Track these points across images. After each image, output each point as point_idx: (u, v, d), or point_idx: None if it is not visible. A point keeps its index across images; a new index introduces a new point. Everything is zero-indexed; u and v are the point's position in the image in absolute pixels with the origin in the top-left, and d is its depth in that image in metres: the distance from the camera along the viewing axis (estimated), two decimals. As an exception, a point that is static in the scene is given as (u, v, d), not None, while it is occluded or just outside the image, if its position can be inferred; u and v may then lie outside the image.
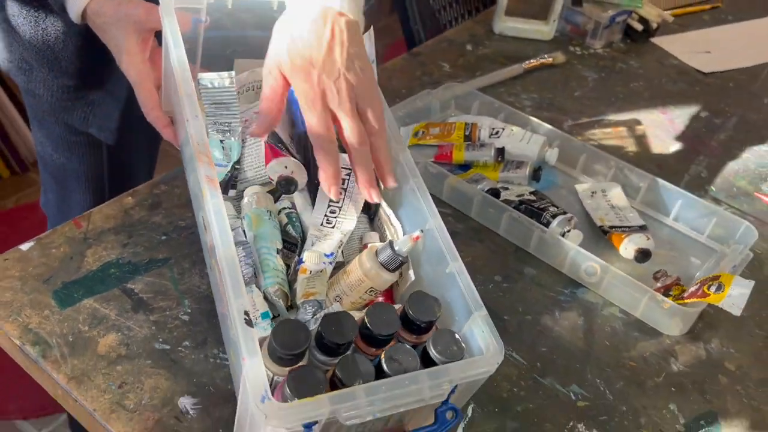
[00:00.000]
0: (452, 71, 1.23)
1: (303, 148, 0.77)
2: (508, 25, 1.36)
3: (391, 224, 0.73)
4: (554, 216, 0.87)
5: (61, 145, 1.03)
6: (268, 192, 0.76)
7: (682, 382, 0.74)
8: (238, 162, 0.74)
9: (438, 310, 0.61)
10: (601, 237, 0.90)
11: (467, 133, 0.99)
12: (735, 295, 0.76)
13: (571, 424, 0.68)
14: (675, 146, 1.12)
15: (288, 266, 0.71)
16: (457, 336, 0.59)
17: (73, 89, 0.93)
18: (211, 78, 0.75)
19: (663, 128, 1.16)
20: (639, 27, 1.39)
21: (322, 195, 0.71)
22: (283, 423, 0.50)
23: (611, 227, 0.89)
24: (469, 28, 1.38)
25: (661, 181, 0.94)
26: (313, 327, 0.62)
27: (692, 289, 0.80)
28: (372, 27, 0.76)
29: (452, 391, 0.57)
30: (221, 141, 0.75)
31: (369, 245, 0.71)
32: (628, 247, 0.86)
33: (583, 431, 0.68)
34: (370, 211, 0.77)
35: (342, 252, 0.73)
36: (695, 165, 1.08)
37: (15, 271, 0.75)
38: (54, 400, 0.69)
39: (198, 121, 0.67)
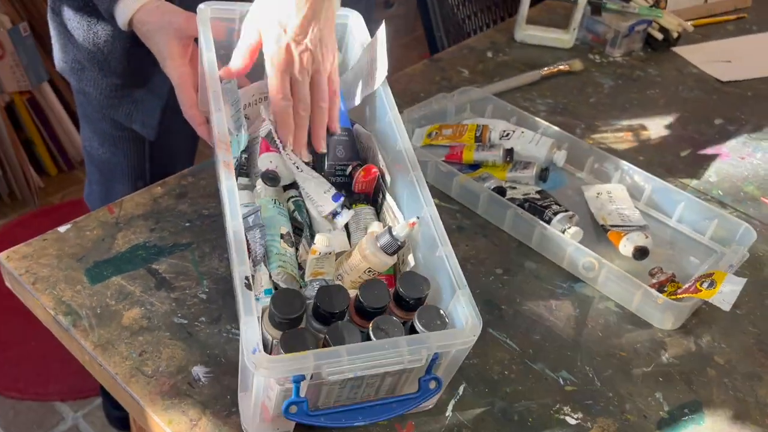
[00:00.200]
0: (471, 77, 1.28)
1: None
2: (528, 33, 1.40)
3: (394, 214, 0.79)
4: (556, 213, 0.91)
5: (107, 141, 1.11)
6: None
7: (670, 373, 0.77)
8: (245, 150, 0.81)
9: (426, 289, 0.66)
10: (602, 235, 0.93)
11: (478, 135, 1.03)
12: (726, 292, 0.78)
13: (557, 406, 0.72)
14: (685, 151, 1.14)
15: (296, 248, 0.76)
16: (441, 312, 0.64)
17: (119, 88, 1.01)
18: (229, 81, 0.82)
19: (675, 134, 1.18)
20: (659, 36, 1.42)
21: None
22: (270, 373, 0.56)
23: (612, 226, 0.93)
24: (490, 36, 1.43)
25: (664, 183, 0.97)
26: None
27: (686, 285, 0.83)
28: (384, 21, 0.82)
29: (434, 360, 0.62)
30: (236, 136, 0.82)
31: (370, 231, 0.77)
32: (626, 245, 0.90)
33: (569, 413, 0.72)
34: (376, 204, 0.82)
35: (350, 241, 0.79)
36: (703, 169, 1.10)
37: (53, 250, 0.83)
38: (90, 384, 0.75)
39: (221, 114, 0.74)
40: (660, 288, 0.84)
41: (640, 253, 0.89)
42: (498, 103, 1.12)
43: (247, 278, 0.61)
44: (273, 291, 0.71)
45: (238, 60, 0.78)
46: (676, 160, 1.12)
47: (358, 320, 0.66)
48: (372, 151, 0.84)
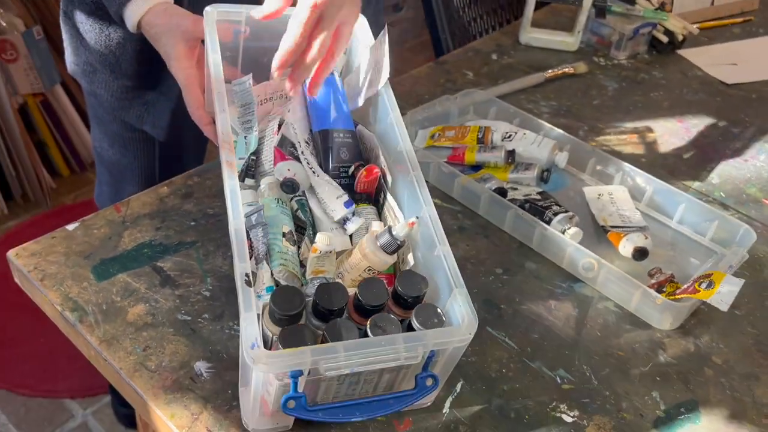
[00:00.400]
0: (475, 79, 1.29)
1: (318, 145, 0.84)
2: (533, 36, 1.41)
3: (395, 214, 0.80)
4: (556, 214, 0.92)
5: (117, 142, 1.13)
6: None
7: (668, 372, 0.78)
8: (254, 153, 0.82)
9: (424, 287, 0.67)
10: (602, 236, 0.94)
11: (480, 136, 1.04)
12: (724, 292, 0.79)
13: (554, 404, 0.73)
14: (688, 153, 1.15)
15: (298, 247, 0.78)
16: (439, 310, 0.65)
17: (130, 90, 1.03)
18: (239, 82, 0.83)
19: (678, 136, 1.19)
20: (664, 39, 1.42)
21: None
22: (268, 368, 0.57)
23: (612, 227, 0.93)
24: (495, 39, 1.44)
25: (666, 184, 0.98)
26: None
27: (685, 286, 0.84)
28: (386, 26, 0.83)
29: (430, 358, 0.63)
30: (245, 137, 0.83)
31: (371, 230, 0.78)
32: (626, 246, 0.90)
33: (565, 410, 0.72)
34: (378, 203, 0.83)
35: (351, 240, 0.80)
36: (707, 171, 1.11)
37: (61, 247, 0.84)
38: (99, 382, 0.77)
39: (225, 115, 0.75)
40: (659, 288, 0.85)
41: (640, 253, 0.89)
42: (501, 105, 1.13)
43: (247, 275, 0.62)
44: (274, 288, 0.72)
45: (278, 8, 0.77)
46: (679, 162, 1.13)
47: (357, 318, 0.67)
48: (374, 151, 0.85)
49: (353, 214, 0.78)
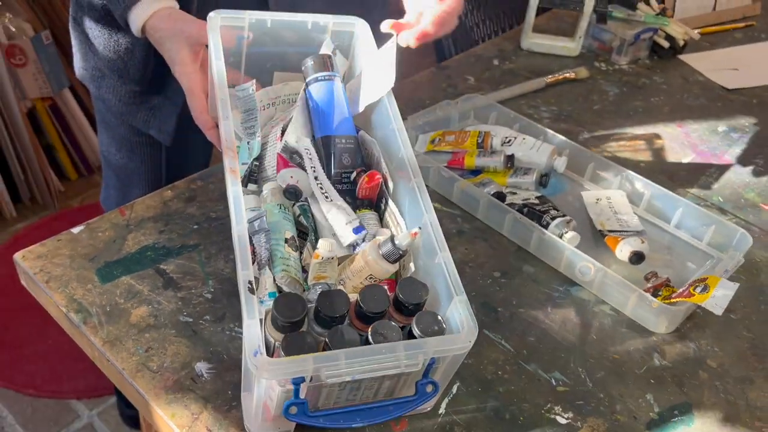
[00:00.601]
0: (476, 84, 1.30)
1: (320, 151, 0.85)
2: (535, 41, 1.42)
3: (396, 220, 0.81)
4: (554, 218, 0.93)
5: (124, 146, 1.15)
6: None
7: (662, 375, 0.79)
8: (257, 158, 0.83)
9: (425, 295, 0.68)
10: (600, 240, 0.95)
11: (480, 141, 1.06)
12: (718, 296, 0.80)
13: (549, 405, 0.74)
14: (688, 158, 1.16)
15: (300, 252, 0.79)
16: (439, 317, 0.66)
17: (138, 95, 1.05)
18: (242, 88, 0.85)
19: (678, 141, 1.20)
20: (665, 44, 1.43)
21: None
22: (271, 375, 0.58)
23: (609, 231, 0.94)
24: (497, 44, 1.45)
25: (663, 189, 0.99)
26: None
27: (680, 290, 0.85)
28: (395, 33, 0.84)
29: (431, 365, 0.64)
30: (248, 143, 0.85)
31: (379, 234, 0.79)
32: (623, 250, 0.91)
33: (559, 412, 0.73)
34: (380, 209, 0.84)
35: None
36: (705, 176, 1.12)
37: (66, 250, 0.86)
38: (105, 383, 0.78)
39: (228, 122, 0.76)
40: (654, 292, 0.86)
41: (636, 257, 0.90)
42: (501, 110, 1.14)
43: (250, 282, 0.63)
44: (276, 294, 0.74)
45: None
46: (678, 166, 1.14)
47: (358, 324, 0.68)
48: (376, 157, 0.86)
49: (363, 240, 0.78)
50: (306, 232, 0.81)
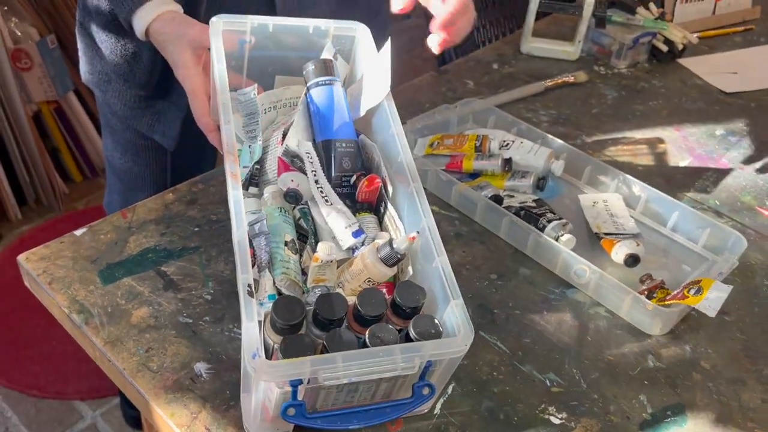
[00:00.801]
0: (476, 88, 1.31)
1: (321, 155, 0.86)
2: (534, 45, 1.43)
3: (396, 224, 0.82)
4: (550, 221, 0.94)
5: (129, 150, 1.16)
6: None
7: (656, 377, 0.80)
8: (258, 162, 0.85)
9: (422, 298, 0.69)
10: (596, 243, 0.96)
11: (478, 145, 1.07)
12: (712, 298, 0.81)
13: (543, 406, 0.75)
14: (685, 161, 1.17)
15: (300, 255, 0.80)
16: (436, 321, 0.67)
17: (143, 99, 1.06)
18: (244, 92, 0.86)
19: (676, 145, 1.21)
20: (664, 48, 1.44)
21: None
22: (269, 378, 0.60)
23: (605, 234, 0.95)
24: (497, 48, 1.46)
25: (659, 192, 1.00)
26: None
27: (675, 292, 0.86)
28: (390, 39, 0.85)
29: (427, 368, 0.65)
30: (249, 146, 0.86)
31: (378, 237, 0.80)
32: (618, 252, 0.92)
33: (553, 413, 0.74)
34: (379, 213, 0.86)
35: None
36: (702, 180, 1.12)
37: (69, 252, 0.88)
38: (108, 384, 0.79)
39: (230, 126, 0.77)
40: (649, 294, 0.87)
41: (632, 260, 0.91)
42: (500, 114, 1.15)
43: (249, 286, 0.64)
44: (276, 296, 0.75)
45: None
46: (676, 170, 1.15)
47: (356, 327, 0.69)
48: (376, 161, 0.87)
49: (362, 243, 0.79)
50: (306, 235, 0.82)
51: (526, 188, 1.03)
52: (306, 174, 0.83)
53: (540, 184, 1.03)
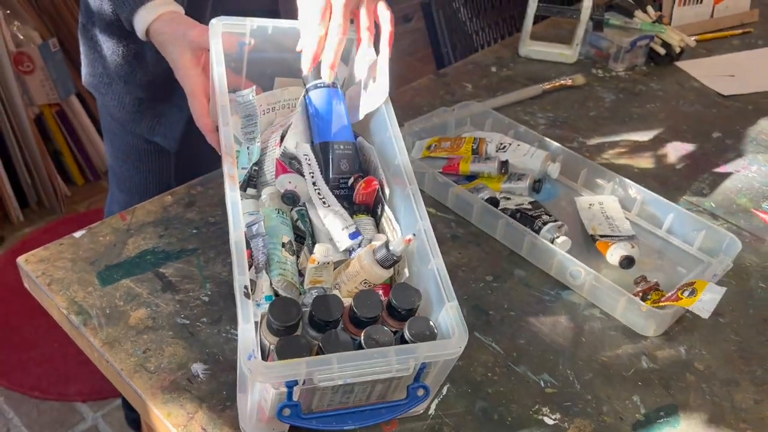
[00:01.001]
0: (474, 91, 1.32)
1: (319, 156, 0.87)
2: (532, 48, 1.44)
3: (392, 227, 0.83)
4: (546, 223, 0.94)
5: (131, 156, 1.16)
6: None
7: (650, 378, 0.80)
8: (256, 163, 0.85)
9: (417, 300, 0.70)
10: (591, 245, 0.97)
11: (475, 147, 1.07)
12: (705, 300, 0.81)
13: (537, 407, 0.76)
14: (681, 164, 1.17)
15: (297, 256, 0.81)
16: (431, 323, 0.68)
17: (143, 101, 1.07)
18: (242, 94, 0.87)
19: (672, 147, 1.21)
20: (662, 51, 1.44)
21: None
22: (265, 379, 0.60)
23: (601, 236, 0.96)
24: (495, 51, 1.47)
25: (655, 195, 1.00)
26: None
27: (669, 294, 0.86)
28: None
29: (422, 369, 0.66)
30: (247, 148, 0.87)
31: (375, 239, 0.81)
32: (613, 254, 0.93)
33: (547, 413, 0.75)
34: (376, 215, 0.86)
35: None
36: (698, 182, 1.13)
37: (68, 254, 0.88)
38: (109, 385, 0.80)
39: (228, 127, 0.78)
40: (644, 296, 0.87)
41: (627, 262, 0.92)
42: (497, 116, 1.16)
43: (246, 287, 0.65)
44: (273, 297, 0.75)
45: (314, 31, 0.81)
46: (672, 172, 1.15)
47: (352, 329, 0.69)
48: (373, 164, 0.88)
49: (359, 245, 0.80)
50: (303, 237, 0.83)
51: (522, 190, 1.04)
52: (304, 176, 0.83)
53: (536, 186, 1.04)
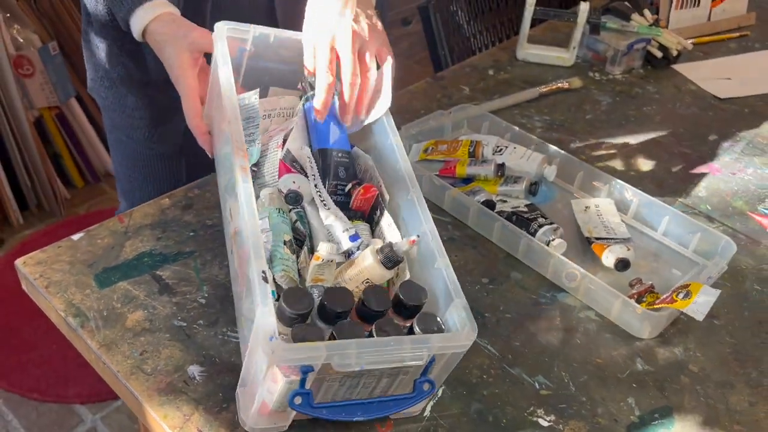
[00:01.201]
0: (471, 94, 1.32)
1: (318, 162, 0.88)
2: (530, 51, 1.45)
3: (392, 231, 0.83)
4: (541, 226, 0.95)
5: (139, 162, 1.16)
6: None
7: (644, 380, 0.80)
8: (255, 165, 0.86)
9: (424, 297, 0.71)
10: (587, 247, 0.97)
11: (471, 150, 1.08)
12: (700, 302, 0.81)
13: (531, 409, 0.76)
14: (677, 167, 1.17)
15: (297, 255, 0.81)
16: (438, 319, 0.69)
17: (145, 106, 1.07)
18: (244, 97, 0.87)
19: (668, 150, 1.22)
20: (659, 54, 1.45)
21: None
22: (285, 361, 0.60)
23: (596, 238, 0.96)
24: (493, 55, 1.47)
25: (651, 197, 1.01)
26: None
27: (664, 296, 0.87)
28: (389, 59, 0.86)
29: (430, 363, 0.66)
30: (247, 149, 0.87)
31: (376, 241, 0.81)
32: (609, 257, 0.93)
33: (542, 415, 0.75)
34: (372, 221, 0.87)
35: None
36: (694, 184, 1.13)
37: (66, 256, 0.89)
38: (108, 388, 0.80)
39: (238, 123, 0.79)
40: (639, 298, 0.88)
41: (622, 264, 0.92)
42: (493, 119, 1.16)
43: (263, 272, 0.65)
44: (275, 293, 0.76)
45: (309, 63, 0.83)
46: (668, 175, 1.15)
47: (359, 323, 0.70)
48: (369, 172, 0.89)
49: (358, 248, 0.81)
50: (300, 239, 0.83)
51: (518, 193, 1.04)
52: (307, 176, 0.84)
53: (532, 189, 1.04)
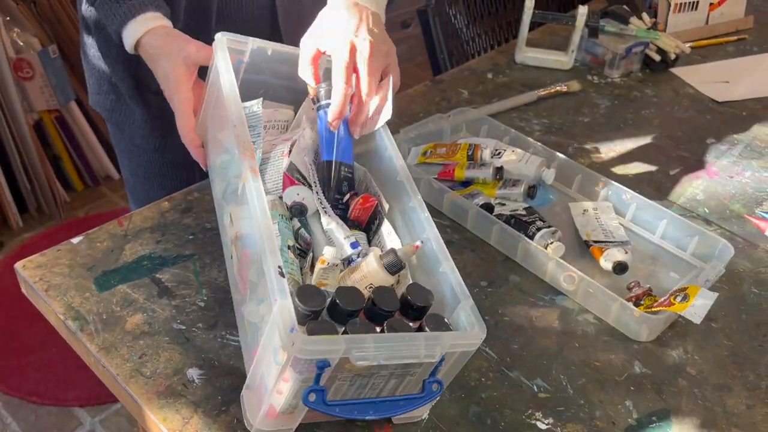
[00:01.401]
0: (470, 98, 1.33)
1: (323, 173, 0.88)
2: (528, 55, 1.45)
3: (392, 239, 0.84)
4: (539, 229, 0.95)
5: (151, 172, 1.16)
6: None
7: (642, 383, 0.81)
8: None
9: (431, 298, 0.72)
10: (585, 250, 0.97)
11: (470, 153, 1.08)
12: (697, 305, 0.82)
13: (530, 411, 0.76)
14: (675, 170, 1.18)
15: (302, 265, 0.81)
16: (447, 320, 0.70)
17: (150, 119, 1.07)
18: (248, 105, 0.87)
19: (666, 153, 1.22)
20: (657, 57, 1.45)
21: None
22: (306, 353, 0.61)
23: (594, 241, 0.97)
24: (491, 58, 1.48)
25: (649, 201, 1.01)
26: None
27: (662, 299, 0.87)
28: (390, 75, 0.87)
29: (440, 363, 0.67)
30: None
31: (375, 250, 0.82)
32: (606, 260, 0.93)
33: (540, 418, 0.76)
34: (369, 231, 0.87)
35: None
36: (692, 188, 1.14)
37: (65, 260, 0.89)
38: (107, 391, 0.80)
39: (245, 126, 0.79)
40: (636, 301, 0.88)
41: (620, 267, 0.92)
42: (492, 123, 1.17)
43: (279, 267, 0.66)
44: None
45: (306, 71, 0.86)
46: (666, 178, 1.16)
47: (368, 324, 0.71)
48: (365, 184, 0.89)
49: (358, 255, 0.81)
50: (301, 248, 0.84)
51: (517, 196, 1.04)
52: (311, 186, 0.85)
53: (531, 192, 1.05)
